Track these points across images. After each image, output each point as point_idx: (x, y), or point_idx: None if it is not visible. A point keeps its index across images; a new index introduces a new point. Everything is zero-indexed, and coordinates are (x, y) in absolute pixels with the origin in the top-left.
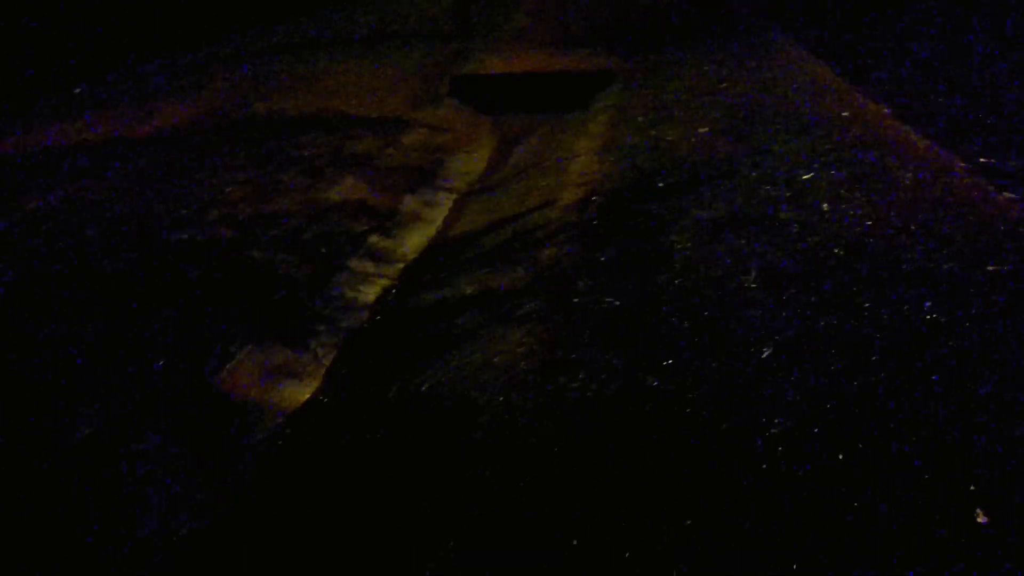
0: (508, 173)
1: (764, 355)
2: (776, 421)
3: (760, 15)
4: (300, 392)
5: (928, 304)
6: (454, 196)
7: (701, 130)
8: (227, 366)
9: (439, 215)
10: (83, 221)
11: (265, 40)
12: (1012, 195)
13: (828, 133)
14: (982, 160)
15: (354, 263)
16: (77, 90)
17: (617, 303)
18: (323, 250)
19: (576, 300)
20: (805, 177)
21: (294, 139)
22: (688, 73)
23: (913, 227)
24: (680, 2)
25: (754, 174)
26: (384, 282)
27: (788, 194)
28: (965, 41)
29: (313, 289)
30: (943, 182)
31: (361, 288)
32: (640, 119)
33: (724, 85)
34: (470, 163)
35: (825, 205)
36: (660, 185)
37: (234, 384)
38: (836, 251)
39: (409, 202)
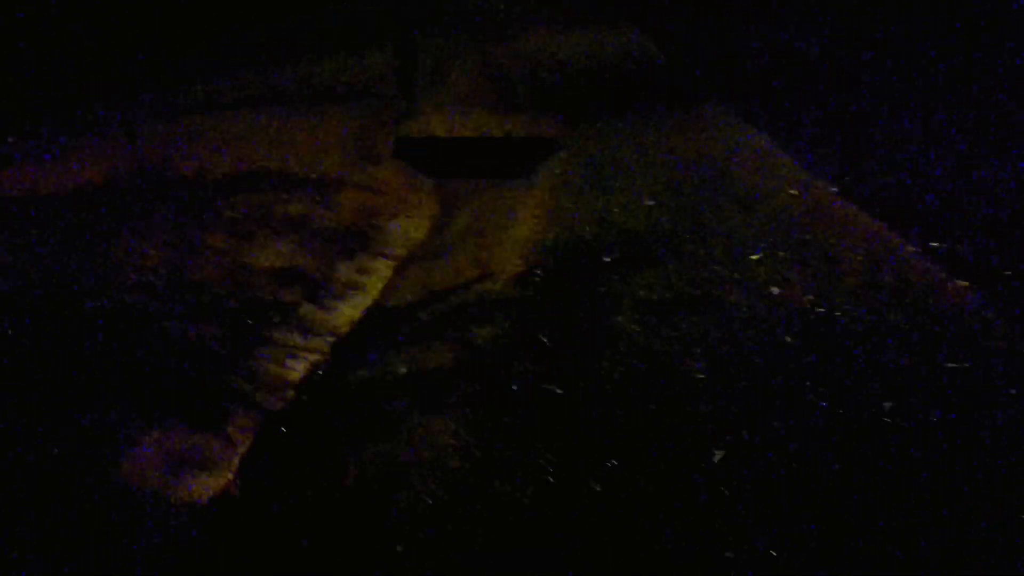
0: (449, 241)
1: (715, 459)
2: (729, 541)
3: (701, 85)
4: (210, 483)
5: (887, 405)
6: (393, 263)
7: (647, 203)
8: (128, 452)
9: (376, 284)
10: None
11: (195, 94)
12: (963, 282)
13: (774, 210)
14: (932, 244)
15: (281, 336)
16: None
17: (558, 391)
18: (248, 321)
19: (514, 387)
20: (753, 257)
21: (224, 198)
22: (631, 142)
23: (864, 314)
24: (622, 71)
25: (700, 252)
26: (313, 357)
27: (735, 275)
28: (913, 119)
29: (233, 365)
30: (894, 267)
31: (287, 364)
32: (585, 189)
33: (668, 157)
34: (411, 228)
35: (774, 288)
36: (605, 260)
37: (136, 474)
38: (786, 339)
39: (344, 269)
